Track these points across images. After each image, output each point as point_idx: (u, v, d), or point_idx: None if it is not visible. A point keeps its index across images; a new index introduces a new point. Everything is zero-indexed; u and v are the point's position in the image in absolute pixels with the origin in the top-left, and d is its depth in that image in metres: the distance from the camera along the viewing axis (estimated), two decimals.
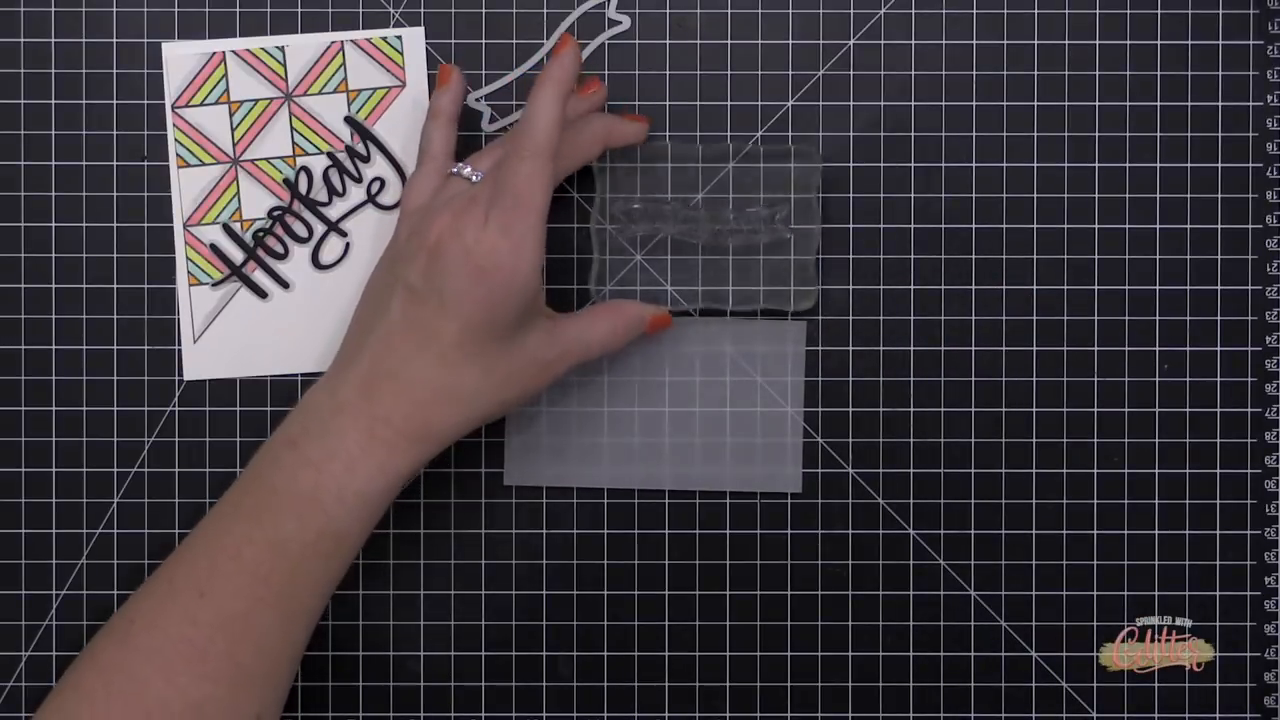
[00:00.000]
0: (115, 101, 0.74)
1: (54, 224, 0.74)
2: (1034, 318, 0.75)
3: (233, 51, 0.74)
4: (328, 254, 0.75)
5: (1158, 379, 0.75)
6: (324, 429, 0.66)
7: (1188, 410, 0.75)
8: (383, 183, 0.75)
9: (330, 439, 0.65)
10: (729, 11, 0.75)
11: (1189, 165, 0.75)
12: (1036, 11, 0.75)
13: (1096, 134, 0.75)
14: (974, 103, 0.75)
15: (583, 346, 0.69)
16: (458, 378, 0.66)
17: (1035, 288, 0.75)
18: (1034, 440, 0.75)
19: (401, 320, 0.66)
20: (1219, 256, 0.75)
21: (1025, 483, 0.75)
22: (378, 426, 0.65)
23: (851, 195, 0.75)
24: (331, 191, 0.75)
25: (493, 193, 0.66)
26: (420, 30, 0.75)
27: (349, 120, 0.75)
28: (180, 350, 0.75)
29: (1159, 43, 0.75)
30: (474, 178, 0.68)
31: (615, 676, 0.75)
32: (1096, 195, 0.75)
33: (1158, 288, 0.75)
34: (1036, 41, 0.75)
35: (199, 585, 0.65)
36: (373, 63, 0.74)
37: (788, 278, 0.74)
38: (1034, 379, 0.75)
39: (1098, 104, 0.75)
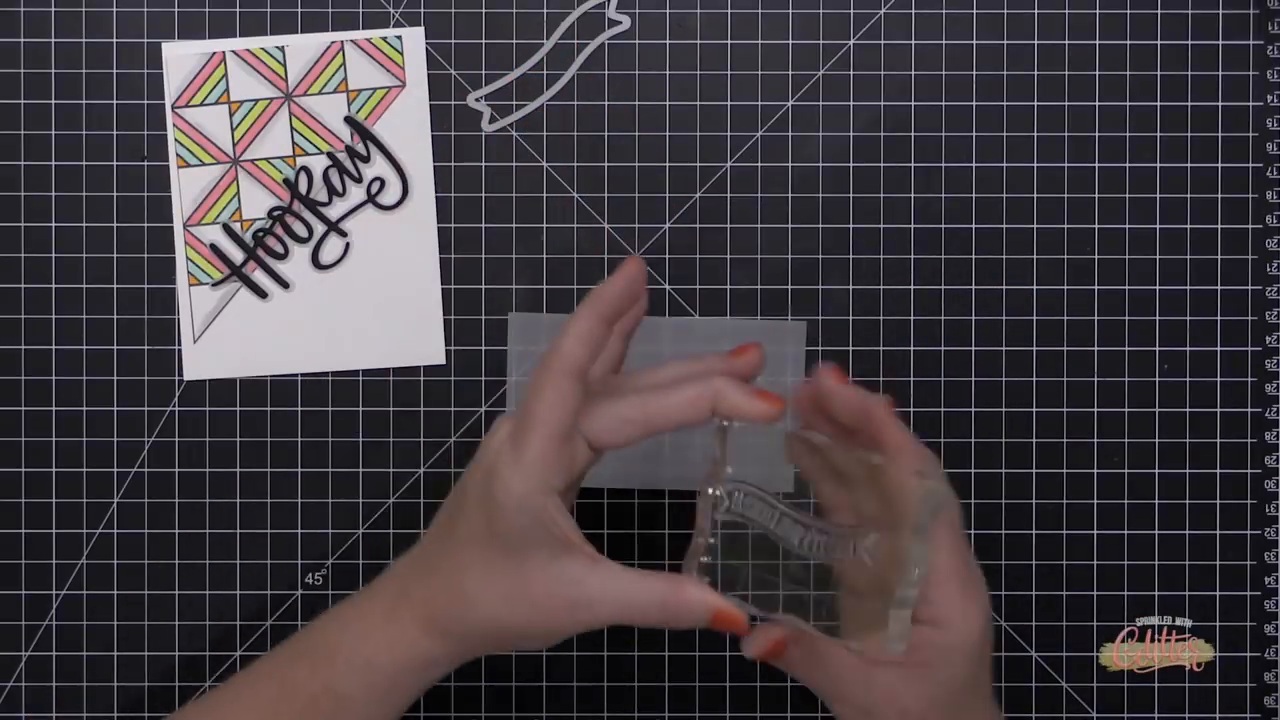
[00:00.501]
0: (115, 101, 0.74)
1: (54, 224, 0.74)
2: (1034, 318, 0.75)
3: (233, 51, 0.74)
4: (328, 254, 0.75)
5: (1158, 379, 0.75)
6: (362, 594, 0.66)
7: (1188, 410, 0.75)
8: (383, 183, 0.75)
9: (362, 603, 0.65)
10: (729, 11, 0.75)
11: (1189, 165, 0.75)
12: (1036, 11, 0.75)
13: (1096, 134, 0.75)
14: (974, 103, 0.75)
15: (620, 607, 0.62)
16: (471, 583, 0.63)
17: (1035, 288, 0.75)
18: (1034, 440, 0.75)
19: (443, 518, 0.65)
20: (1219, 256, 0.75)
21: (1025, 483, 0.75)
22: (401, 604, 0.64)
23: (851, 195, 0.75)
24: (331, 191, 0.75)
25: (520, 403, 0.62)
26: (420, 30, 0.75)
27: (349, 120, 0.75)
28: (180, 350, 0.75)
29: (1159, 43, 0.75)
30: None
31: (615, 676, 0.75)
32: (1096, 195, 0.75)
33: (1158, 288, 0.75)
34: (1036, 41, 0.75)
35: (227, 700, 0.67)
36: (373, 63, 0.74)
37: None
38: (1034, 379, 0.75)
39: (1098, 104, 0.75)
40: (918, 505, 0.59)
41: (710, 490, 0.62)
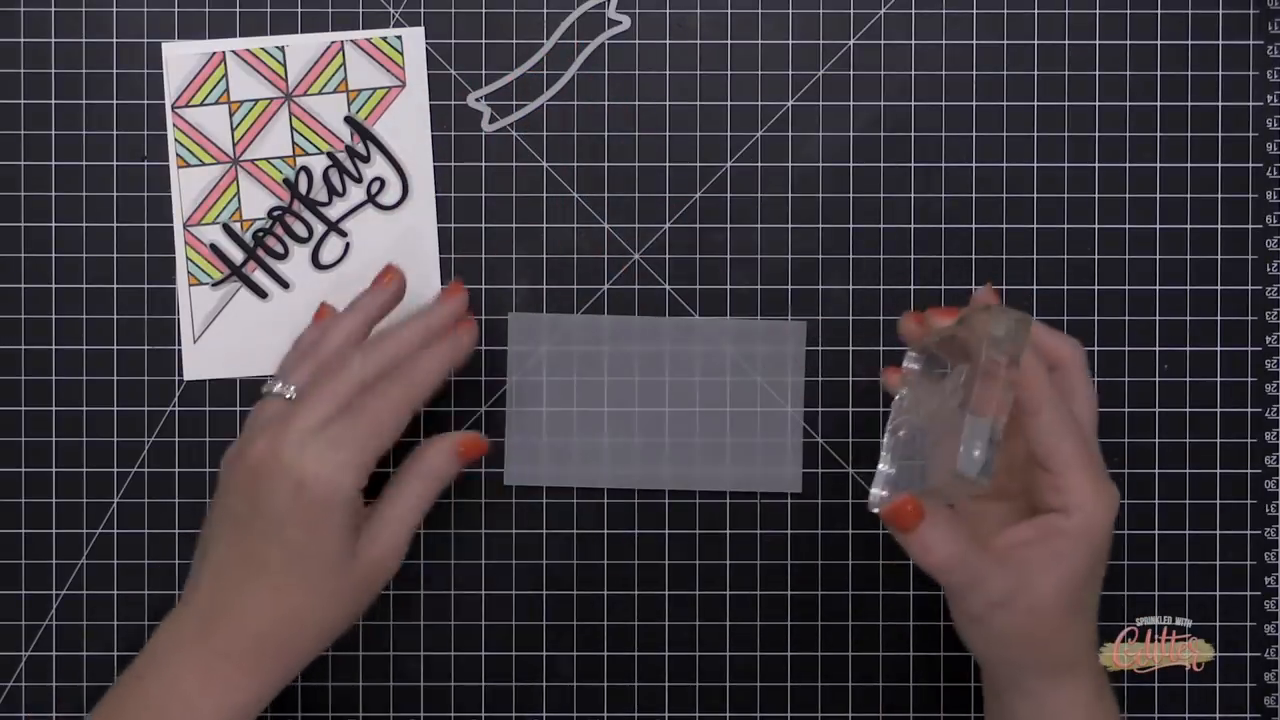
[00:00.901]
0: (115, 101, 0.74)
1: (54, 224, 0.74)
2: (1034, 318, 0.75)
3: (233, 51, 0.74)
4: (328, 254, 0.75)
5: (1158, 379, 0.75)
6: (161, 669, 0.64)
7: (1188, 410, 0.75)
8: (382, 183, 0.75)
9: (167, 679, 0.64)
10: (729, 11, 0.75)
11: (1189, 165, 0.75)
12: (1036, 11, 0.75)
13: (1096, 134, 0.75)
14: (974, 103, 0.75)
15: (405, 526, 0.67)
16: (294, 604, 0.64)
17: (1035, 288, 0.75)
18: None
19: (229, 551, 0.65)
20: (1219, 256, 0.75)
21: None
22: (216, 663, 0.64)
23: (851, 195, 0.75)
24: (331, 191, 0.75)
25: (336, 409, 0.65)
26: (420, 30, 0.75)
27: (349, 120, 0.75)
28: (180, 350, 0.75)
29: (1159, 43, 0.75)
30: (288, 394, 0.68)
31: (615, 676, 0.75)
32: (1096, 195, 0.75)
33: (1158, 288, 0.75)
34: (1036, 41, 0.75)
35: None
36: (373, 63, 0.74)
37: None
38: None
39: (1098, 104, 0.75)
40: (984, 320, 0.61)
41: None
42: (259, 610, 0.64)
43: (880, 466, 0.66)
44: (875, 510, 0.65)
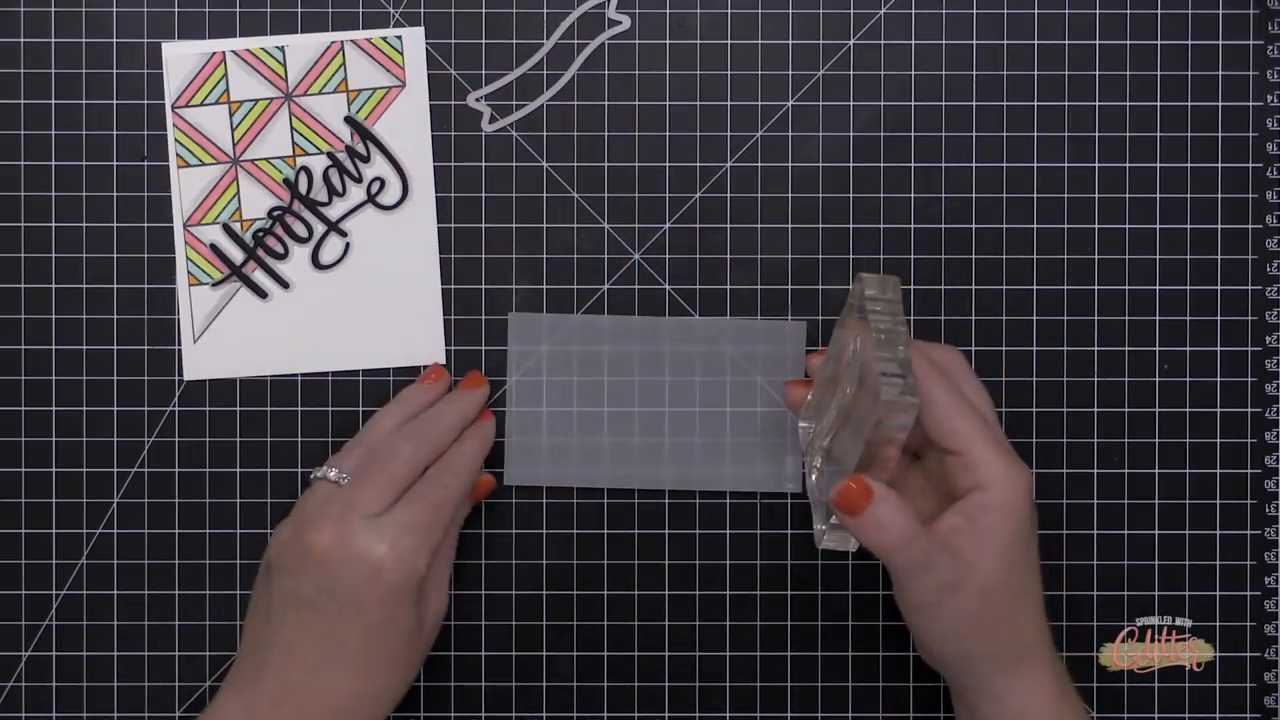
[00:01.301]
0: (115, 101, 0.74)
1: (54, 224, 0.74)
2: (1034, 318, 0.75)
3: (233, 51, 0.74)
4: (328, 254, 0.75)
5: (1158, 379, 0.75)
6: None
7: (1188, 410, 0.75)
8: (383, 183, 0.75)
9: None
10: (729, 11, 0.75)
11: (1189, 165, 0.75)
12: (1036, 11, 0.75)
13: (1096, 134, 0.75)
14: (974, 103, 0.75)
15: (445, 574, 0.71)
16: (375, 678, 0.67)
17: (1035, 288, 0.75)
18: (1034, 440, 0.75)
19: (302, 633, 0.66)
20: (1219, 256, 0.75)
21: None
22: None
23: (851, 195, 0.75)
24: (331, 191, 0.75)
25: (395, 494, 0.68)
26: (420, 30, 0.75)
27: (349, 120, 0.75)
28: (180, 350, 0.75)
29: (1159, 43, 0.75)
30: (340, 478, 0.69)
31: (615, 676, 0.75)
32: (1096, 195, 0.75)
33: (1158, 288, 0.75)
34: (1036, 41, 0.75)
35: None
36: (373, 63, 0.74)
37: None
38: (1034, 379, 0.75)
39: (1098, 104, 0.75)
40: (857, 288, 0.66)
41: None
42: (338, 688, 0.66)
43: (815, 511, 0.69)
44: (823, 545, 0.68)
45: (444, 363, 0.74)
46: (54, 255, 0.74)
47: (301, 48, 0.74)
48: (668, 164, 0.75)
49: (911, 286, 0.75)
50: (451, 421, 0.72)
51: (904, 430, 0.63)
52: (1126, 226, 0.75)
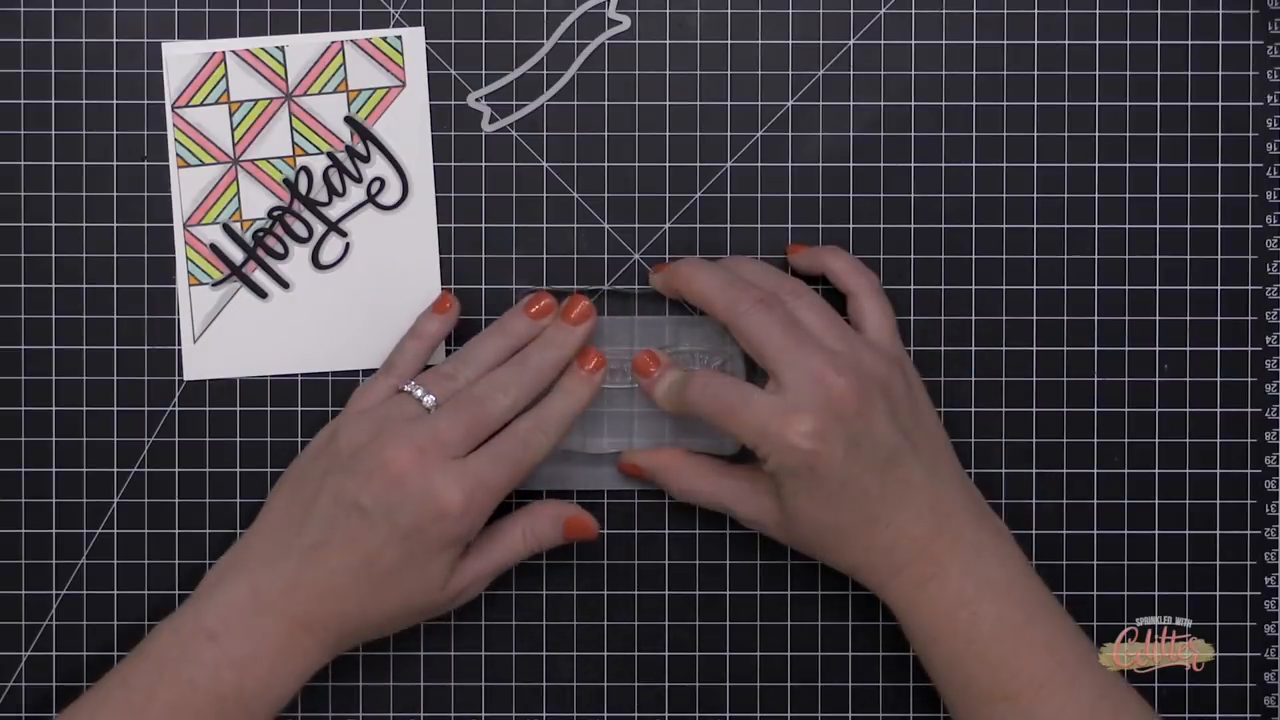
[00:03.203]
0: (115, 101, 0.74)
1: (54, 224, 0.74)
2: (1034, 318, 0.75)
3: (233, 51, 0.74)
4: (328, 254, 0.75)
5: (1158, 379, 0.75)
6: (247, 628, 0.66)
7: (1188, 410, 0.75)
8: (383, 183, 0.75)
9: (254, 639, 0.66)
10: (729, 11, 0.75)
11: (1189, 165, 0.75)
12: (1036, 11, 0.75)
13: (1096, 134, 0.75)
14: (974, 103, 0.75)
15: (490, 572, 0.70)
16: (381, 601, 0.67)
17: (1035, 288, 0.75)
18: (1034, 440, 0.75)
19: (341, 536, 0.66)
20: (1219, 256, 0.75)
21: (1025, 483, 0.75)
22: (298, 632, 0.66)
23: (851, 195, 0.75)
24: (331, 191, 0.75)
25: (477, 438, 0.67)
26: (420, 30, 0.75)
27: (349, 120, 0.75)
28: (180, 350, 0.75)
29: (1159, 43, 0.75)
30: (427, 400, 0.68)
31: (615, 677, 0.75)
32: (1096, 195, 0.75)
33: (1158, 288, 0.75)
34: (1036, 41, 0.75)
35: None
36: (373, 63, 0.74)
37: None
38: (1034, 379, 0.75)
39: (1098, 104, 0.75)
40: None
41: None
42: (353, 597, 0.66)
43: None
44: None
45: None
46: (54, 255, 0.74)
47: (301, 48, 0.74)
48: (668, 164, 0.75)
49: (911, 286, 0.75)
50: (551, 369, 0.70)
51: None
52: (1126, 226, 0.75)
